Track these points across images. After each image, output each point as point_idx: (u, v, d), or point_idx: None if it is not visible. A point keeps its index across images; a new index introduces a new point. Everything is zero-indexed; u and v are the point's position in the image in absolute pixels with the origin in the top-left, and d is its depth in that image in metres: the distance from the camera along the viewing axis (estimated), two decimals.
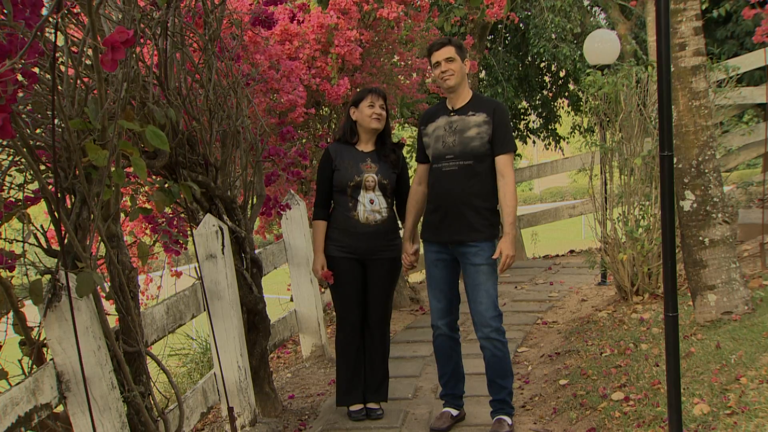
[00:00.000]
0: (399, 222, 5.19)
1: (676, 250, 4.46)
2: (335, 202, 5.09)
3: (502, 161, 4.65)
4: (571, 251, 12.60)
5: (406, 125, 11.24)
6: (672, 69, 5.36)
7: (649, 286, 7.12)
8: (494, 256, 4.64)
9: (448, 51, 4.66)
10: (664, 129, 3.36)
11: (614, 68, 7.78)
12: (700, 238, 5.52)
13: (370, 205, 4.97)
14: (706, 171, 5.50)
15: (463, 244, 4.68)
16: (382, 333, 5.16)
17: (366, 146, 5.11)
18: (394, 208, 5.14)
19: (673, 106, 5.31)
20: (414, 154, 13.69)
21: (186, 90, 4.48)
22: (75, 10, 3.55)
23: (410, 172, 5.40)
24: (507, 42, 14.54)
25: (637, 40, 13.99)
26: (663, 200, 3.45)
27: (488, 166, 4.67)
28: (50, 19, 2.33)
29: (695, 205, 5.54)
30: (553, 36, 13.20)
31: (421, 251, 5.03)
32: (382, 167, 5.03)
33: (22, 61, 1.87)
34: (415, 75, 8.49)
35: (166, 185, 3.96)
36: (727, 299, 5.50)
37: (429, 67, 9.17)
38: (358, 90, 6.69)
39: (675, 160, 5.50)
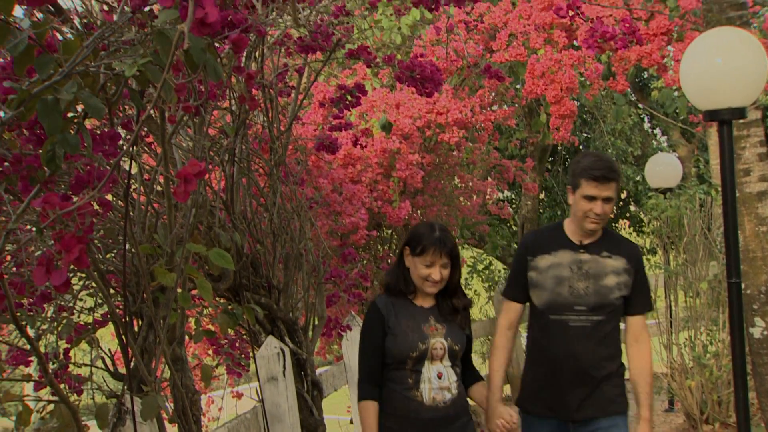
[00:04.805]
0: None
1: (748, 378, 4.33)
2: (387, 378, 3.58)
3: (639, 323, 3.74)
4: None
5: (467, 245, 11.25)
6: (737, 194, 5.33)
7: (719, 415, 6.89)
8: None
9: (612, 188, 3.56)
10: (731, 255, 3.32)
11: (676, 191, 7.75)
12: None
13: (438, 381, 3.50)
14: None
15: (592, 420, 3.67)
16: None
17: (426, 300, 3.64)
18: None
19: (739, 232, 5.25)
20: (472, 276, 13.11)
21: (251, 214, 4.58)
22: (148, 140, 3.70)
23: None
24: (567, 164, 14.66)
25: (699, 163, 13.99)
26: (732, 328, 3.39)
27: (616, 324, 3.73)
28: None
29: (766, 332, 5.40)
30: (614, 158, 13.27)
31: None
32: (450, 328, 3.58)
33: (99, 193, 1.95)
34: (475, 197, 8.58)
35: (230, 307, 4.01)
36: None
37: (491, 190, 9.22)
38: (420, 218, 6.58)
39: (743, 285, 5.40)
